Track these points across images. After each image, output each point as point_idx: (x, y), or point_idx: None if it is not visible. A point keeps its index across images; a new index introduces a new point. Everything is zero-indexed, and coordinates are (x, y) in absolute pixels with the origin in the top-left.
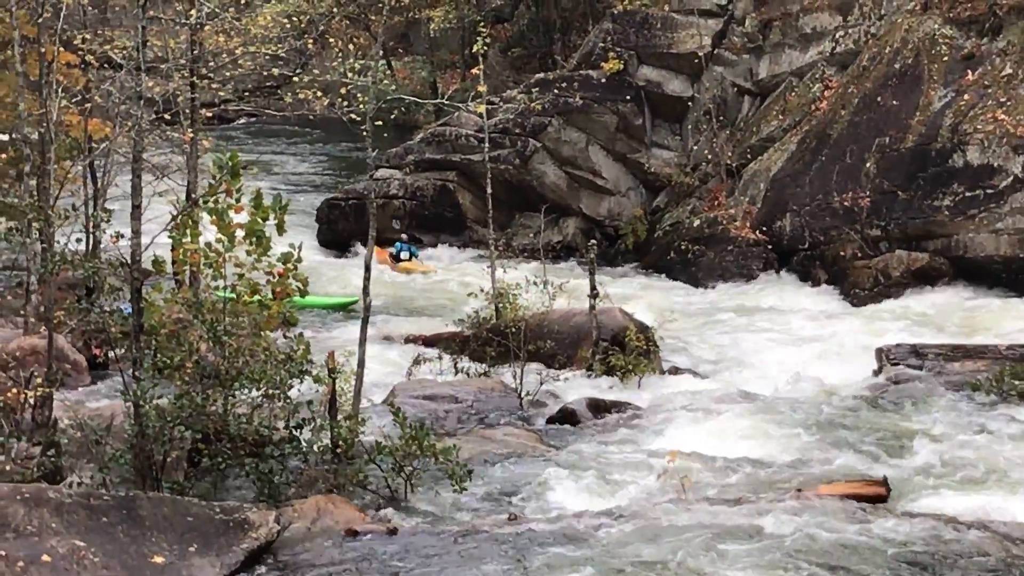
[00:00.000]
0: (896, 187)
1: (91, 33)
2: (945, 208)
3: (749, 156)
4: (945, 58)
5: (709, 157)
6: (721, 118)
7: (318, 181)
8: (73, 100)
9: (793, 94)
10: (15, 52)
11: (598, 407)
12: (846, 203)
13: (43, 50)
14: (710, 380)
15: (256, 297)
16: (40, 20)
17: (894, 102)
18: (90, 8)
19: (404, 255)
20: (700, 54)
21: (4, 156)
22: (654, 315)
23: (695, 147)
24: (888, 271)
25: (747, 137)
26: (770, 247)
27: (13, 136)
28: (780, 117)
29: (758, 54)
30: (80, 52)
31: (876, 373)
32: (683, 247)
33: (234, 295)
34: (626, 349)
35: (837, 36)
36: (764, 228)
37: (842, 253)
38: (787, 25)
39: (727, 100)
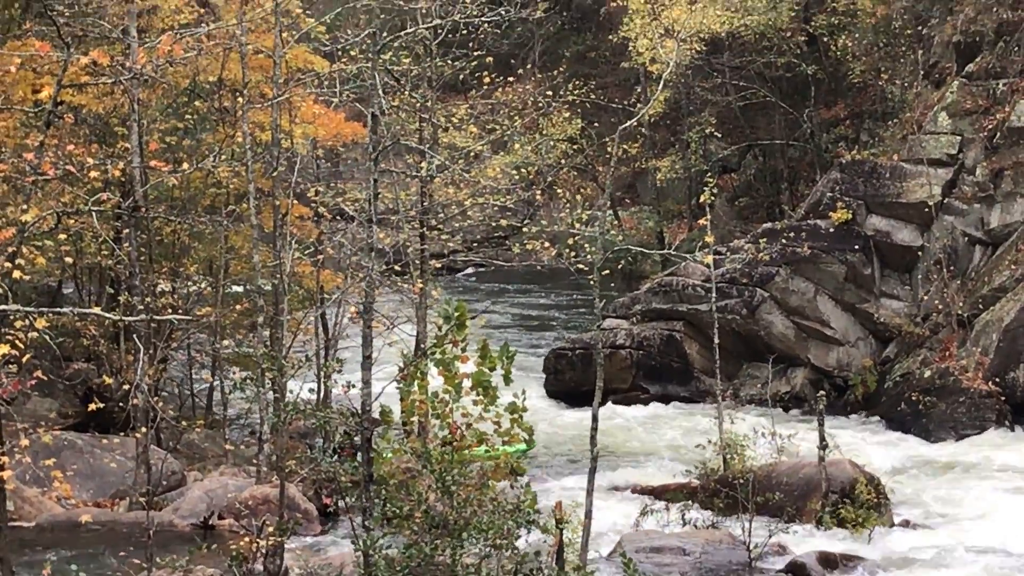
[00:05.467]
0: None
1: (324, 186)
2: None
3: (981, 306)
4: None
5: (940, 307)
6: (952, 267)
7: (545, 330)
8: (306, 251)
9: None
10: (250, 205)
11: (828, 561)
12: None
13: (277, 203)
14: (942, 534)
15: (483, 447)
16: (275, 174)
17: None
18: (323, 162)
19: None
20: (930, 203)
21: (239, 307)
22: (884, 467)
23: (925, 297)
24: None
25: (979, 287)
26: (1003, 399)
27: (248, 287)
28: (1012, 267)
29: (989, 203)
30: (313, 205)
31: None
32: (914, 398)
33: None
34: (856, 501)
35: None
36: (997, 379)
37: None
38: (1019, 174)
39: (958, 249)
